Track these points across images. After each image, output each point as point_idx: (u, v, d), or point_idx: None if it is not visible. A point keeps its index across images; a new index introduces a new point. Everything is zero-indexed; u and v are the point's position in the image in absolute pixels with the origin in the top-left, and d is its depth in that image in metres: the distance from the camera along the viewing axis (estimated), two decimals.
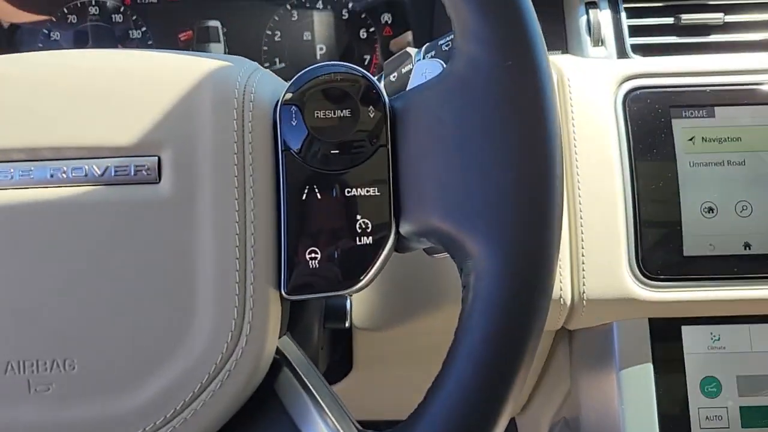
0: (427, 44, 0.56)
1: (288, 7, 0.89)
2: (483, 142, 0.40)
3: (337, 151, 0.43)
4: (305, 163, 0.43)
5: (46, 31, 0.89)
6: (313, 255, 0.43)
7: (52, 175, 0.42)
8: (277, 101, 0.45)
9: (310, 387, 0.45)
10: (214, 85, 0.44)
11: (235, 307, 0.42)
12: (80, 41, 0.89)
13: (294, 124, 0.43)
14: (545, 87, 0.40)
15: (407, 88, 0.50)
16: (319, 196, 0.43)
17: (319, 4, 0.89)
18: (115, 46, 0.89)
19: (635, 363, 0.69)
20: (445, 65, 0.51)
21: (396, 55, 0.58)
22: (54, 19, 0.88)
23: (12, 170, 0.42)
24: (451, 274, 0.67)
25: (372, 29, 0.89)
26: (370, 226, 0.43)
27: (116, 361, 0.41)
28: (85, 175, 0.42)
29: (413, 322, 0.71)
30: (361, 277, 0.43)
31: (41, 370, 0.41)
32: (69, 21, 0.89)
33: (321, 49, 0.89)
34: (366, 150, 0.43)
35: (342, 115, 0.43)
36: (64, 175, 0.42)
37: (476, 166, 0.40)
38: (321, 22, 0.89)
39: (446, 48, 0.54)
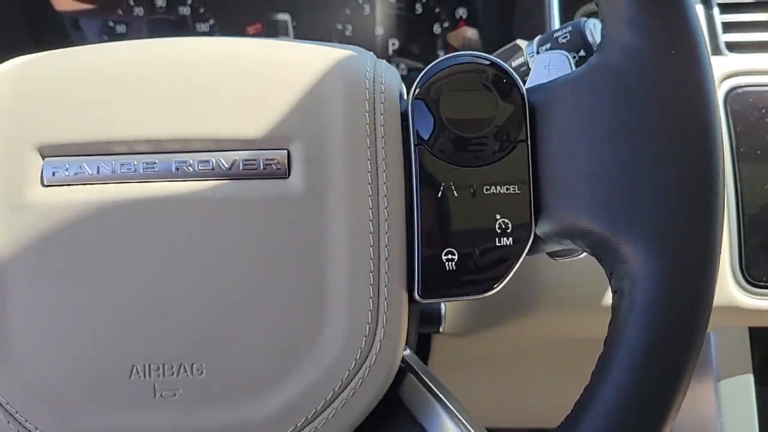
0: (540, 37, 0.53)
1: (360, 1, 0.86)
2: (640, 136, 0.37)
3: (474, 147, 0.40)
4: (441, 159, 0.40)
5: (112, 24, 0.87)
6: (449, 256, 0.40)
7: (177, 168, 0.39)
8: (400, 93, 0.42)
9: (439, 393, 0.42)
10: (344, 77, 0.41)
11: (369, 310, 0.39)
12: (146, 34, 0.87)
13: (429, 118, 0.40)
14: (708, 78, 0.37)
15: (530, 82, 0.48)
16: (455, 193, 0.40)
17: None
18: None
19: (735, 373, 0.66)
20: (570, 57, 0.48)
21: (505, 47, 0.56)
22: (120, 12, 0.86)
23: (136, 163, 0.39)
24: (547, 278, 0.65)
25: (446, 24, 0.87)
26: (510, 226, 0.40)
27: (246, 366, 0.38)
28: (212, 169, 0.40)
29: (502, 327, 0.69)
30: (501, 280, 0.40)
31: (167, 374, 0.38)
32: (135, 13, 0.87)
33: (393, 44, 0.87)
34: (505, 145, 0.40)
35: (479, 108, 0.41)
36: (190, 168, 0.39)
37: (633, 163, 0.37)
38: (393, 17, 0.86)
39: (564, 40, 0.52)
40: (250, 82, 0.41)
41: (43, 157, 0.40)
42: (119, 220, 0.39)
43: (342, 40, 0.86)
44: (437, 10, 0.86)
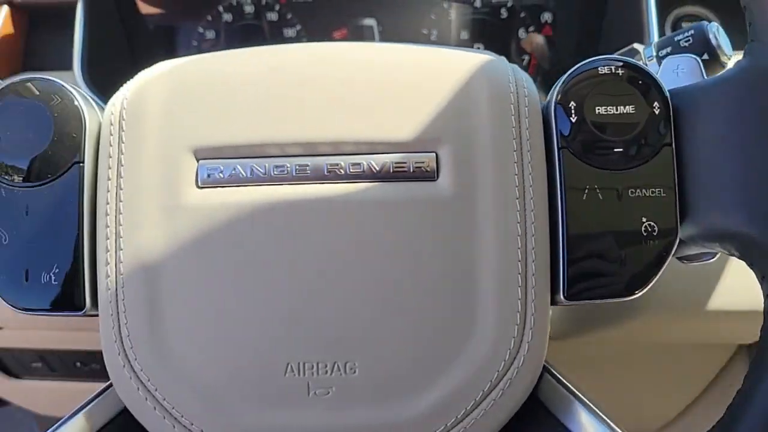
0: (659, 40, 0.53)
1: (445, 5, 0.87)
2: None
3: (620, 150, 0.41)
4: (585, 162, 0.41)
5: (201, 30, 0.88)
6: (595, 258, 0.40)
7: (329, 171, 0.40)
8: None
9: (578, 393, 0.42)
10: (489, 80, 0.42)
11: (518, 312, 0.39)
12: (235, 40, 0.88)
13: (573, 120, 0.41)
14: None
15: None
16: (600, 196, 0.40)
17: (477, 2, 0.87)
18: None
19: None
20: (700, 60, 0.48)
21: (622, 50, 0.56)
22: (210, 18, 0.88)
23: (288, 165, 0.40)
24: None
25: (531, 28, 0.87)
26: (656, 229, 0.40)
27: (398, 366, 0.39)
28: (363, 171, 0.40)
29: (596, 331, 0.68)
30: (647, 283, 0.40)
31: (321, 372, 0.39)
32: (224, 20, 0.88)
33: (478, 48, 0.87)
34: (650, 149, 0.41)
35: (624, 111, 0.41)
36: (341, 171, 0.40)
37: None
38: (478, 21, 0.87)
39: (686, 44, 0.52)
40: (398, 86, 0.41)
41: (198, 160, 0.41)
42: (273, 221, 0.40)
43: (428, 45, 0.87)
44: (522, 15, 0.87)
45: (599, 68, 0.41)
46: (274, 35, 0.88)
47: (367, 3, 0.88)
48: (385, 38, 0.87)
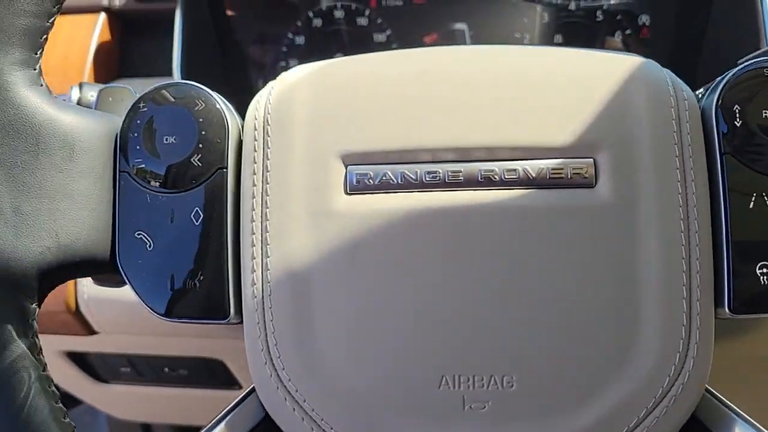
0: None
1: (538, 8, 0.85)
2: None
3: None
4: (753, 169, 0.39)
5: (291, 36, 0.88)
6: (764, 270, 0.38)
7: (482, 177, 0.39)
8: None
9: (738, 410, 0.40)
10: (647, 84, 0.40)
11: (683, 325, 0.38)
12: (325, 45, 0.88)
13: (738, 124, 0.39)
14: None
15: None
16: None
17: (572, 5, 0.85)
18: (360, 50, 0.87)
19: None
20: None
21: (759, 52, 0.54)
22: (299, 24, 0.88)
23: (440, 171, 0.39)
24: None
25: (628, 31, 0.85)
26: None
27: (558, 379, 0.37)
28: (518, 177, 0.39)
29: (725, 342, 0.66)
30: None
31: (477, 386, 0.38)
32: (314, 25, 0.88)
33: None
34: None
35: None
36: (496, 177, 0.39)
37: None
38: (573, 25, 0.85)
39: None
40: (553, 90, 0.40)
41: (346, 165, 0.40)
42: (426, 228, 0.38)
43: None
44: (619, 17, 0.85)
45: (765, 69, 0.39)
46: (364, 40, 0.87)
47: (457, 7, 0.86)
48: (476, 43, 0.86)
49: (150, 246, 0.40)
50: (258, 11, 0.88)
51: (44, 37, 0.38)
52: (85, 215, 0.39)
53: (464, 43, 0.86)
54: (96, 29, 0.81)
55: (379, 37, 0.87)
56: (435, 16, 0.86)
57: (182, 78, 0.75)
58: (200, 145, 0.40)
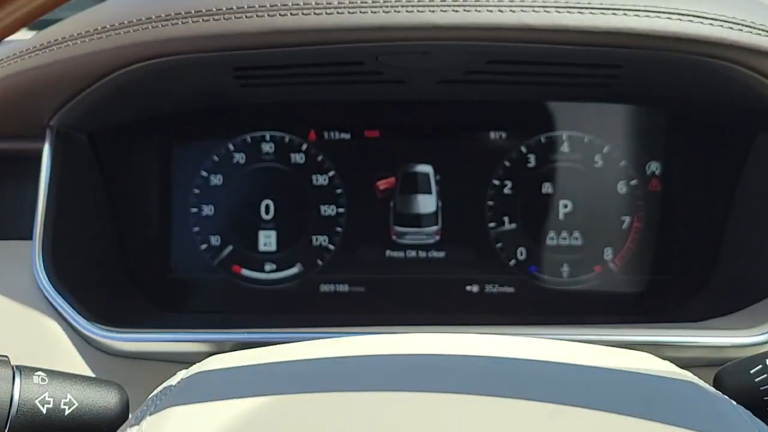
0: None
1: (523, 149, 0.67)
2: None
3: None
4: None
5: (205, 174, 0.67)
6: None
7: None
8: None
9: None
10: None
11: None
12: (249, 187, 0.67)
13: None
14: None
15: None
16: None
17: (565, 147, 0.67)
18: (295, 195, 0.67)
19: None
20: None
21: None
22: (216, 158, 0.67)
23: None
24: None
25: (634, 181, 0.67)
26: None
27: None
28: None
29: None
30: None
31: None
32: (235, 161, 0.68)
33: (565, 206, 0.66)
34: None
35: None
36: None
37: None
38: (567, 171, 0.67)
39: None
40: None
41: None
42: None
43: (500, 200, 0.66)
44: (623, 164, 0.67)
45: None
46: (298, 183, 0.67)
47: (419, 143, 0.67)
48: (444, 189, 0.67)
49: None
50: (160, 140, 0.67)
51: None
52: None
53: (429, 190, 0.67)
54: None
55: (319, 180, 0.67)
56: (391, 153, 0.67)
57: (47, 244, 0.54)
58: None
